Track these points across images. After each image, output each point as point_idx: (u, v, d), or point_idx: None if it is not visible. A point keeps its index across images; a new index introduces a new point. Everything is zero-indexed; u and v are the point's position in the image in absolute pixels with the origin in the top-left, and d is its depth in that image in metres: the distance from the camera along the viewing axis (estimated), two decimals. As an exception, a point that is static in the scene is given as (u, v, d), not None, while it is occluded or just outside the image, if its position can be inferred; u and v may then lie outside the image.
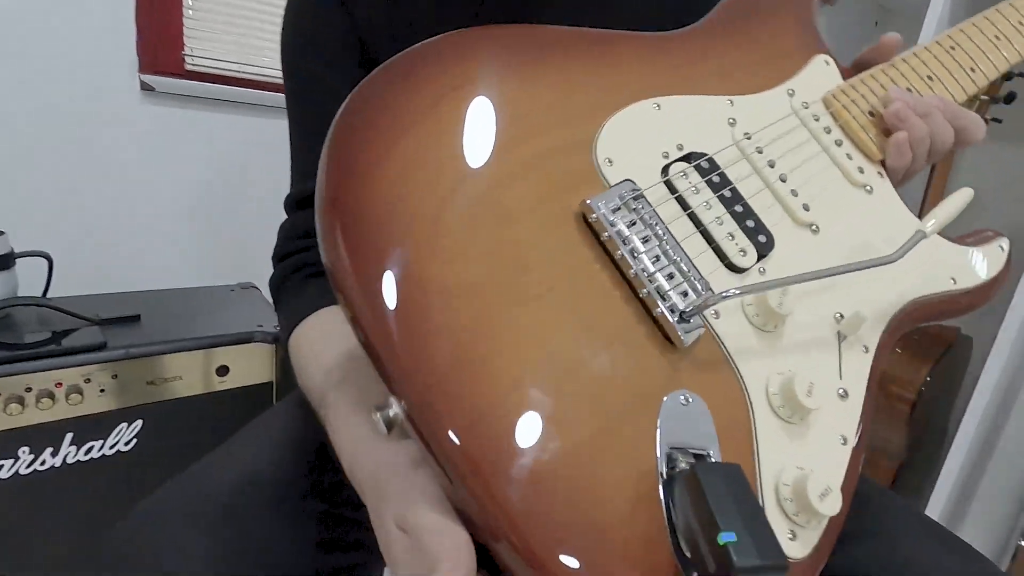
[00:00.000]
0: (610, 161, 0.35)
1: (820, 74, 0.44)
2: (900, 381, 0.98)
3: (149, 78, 1.18)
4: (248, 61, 1.30)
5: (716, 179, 0.36)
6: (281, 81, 0.52)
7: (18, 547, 0.77)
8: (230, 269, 1.31)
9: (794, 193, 0.38)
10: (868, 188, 0.41)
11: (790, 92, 0.42)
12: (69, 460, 0.77)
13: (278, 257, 0.50)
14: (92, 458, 0.79)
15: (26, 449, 0.74)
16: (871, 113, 0.43)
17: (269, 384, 0.91)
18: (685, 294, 0.32)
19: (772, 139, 0.40)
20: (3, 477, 0.73)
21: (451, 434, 0.25)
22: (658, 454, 0.28)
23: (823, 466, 0.31)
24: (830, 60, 0.45)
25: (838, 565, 0.47)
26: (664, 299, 0.31)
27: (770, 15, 0.45)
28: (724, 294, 0.31)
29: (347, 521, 0.43)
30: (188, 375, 0.84)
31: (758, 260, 0.35)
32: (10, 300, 0.81)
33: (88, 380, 0.76)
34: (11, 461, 0.73)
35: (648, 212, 0.33)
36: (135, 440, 0.81)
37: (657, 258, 0.32)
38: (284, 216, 0.52)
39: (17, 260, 0.84)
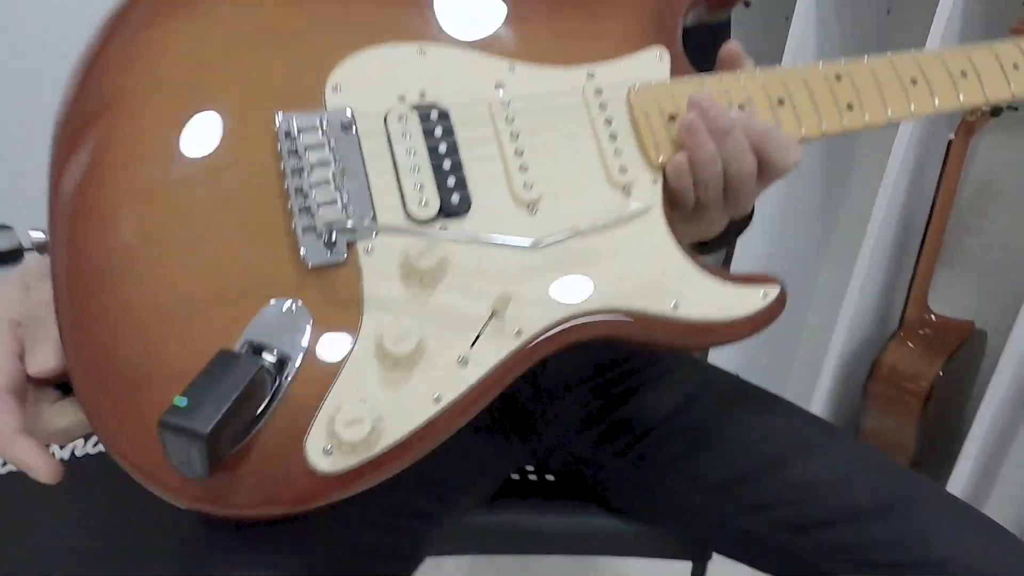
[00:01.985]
0: (337, 87, 0.35)
1: (643, 66, 0.40)
2: (912, 376, 0.96)
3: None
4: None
5: (438, 132, 0.36)
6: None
7: (32, 539, 0.78)
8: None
9: (523, 169, 0.36)
10: (626, 190, 0.37)
11: (590, 74, 0.39)
12: (78, 453, 0.79)
13: None
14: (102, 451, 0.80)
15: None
16: (672, 117, 0.38)
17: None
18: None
19: (534, 112, 0.37)
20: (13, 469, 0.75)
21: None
22: (240, 339, 0.31)
23: (391, 409, 0.32)
24: (666, 55, 0.40)
25: (858, 540, 0.46)
26: (305, 216, 0.33)
27: None
28: (346, 224, 0.32)
29: None
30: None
31: (439, 216, 0.34)
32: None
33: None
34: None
35: (346, 141, 0.34)
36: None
37: (325, 182, 0.33)
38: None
39: (25, 254, 0.85)
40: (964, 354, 0.97)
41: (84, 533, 0.81)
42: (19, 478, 0.74)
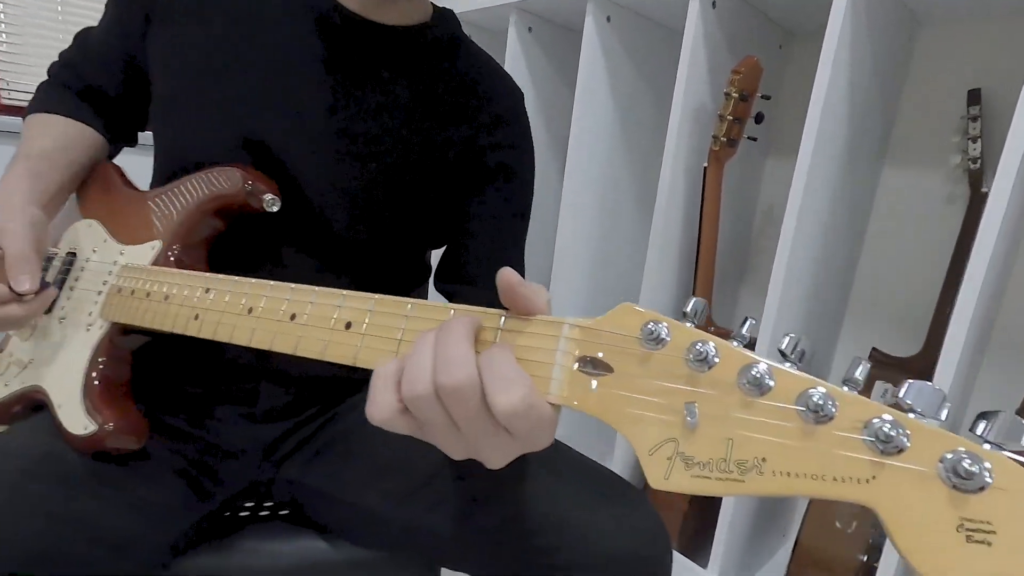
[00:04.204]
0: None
1: (145, 253, 0.58)
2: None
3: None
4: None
5: (66, 264, 0.62)
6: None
7: None
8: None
9: (71, 292, 0.60)
10: (91, 328, 0.57)
11: (121, 252, 0.59)
12: None
13: (58, 65, 0.69)
14: None
15: None
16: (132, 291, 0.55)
17: None
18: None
19: (92, 265, 0.61)
20: None
21: None
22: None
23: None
24: (156, 246, 0.57)
25: (522, 498, 0.49)
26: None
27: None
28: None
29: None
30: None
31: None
32: None
33: None
34: None
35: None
36: None
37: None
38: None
39: None
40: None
41: None
42: None
